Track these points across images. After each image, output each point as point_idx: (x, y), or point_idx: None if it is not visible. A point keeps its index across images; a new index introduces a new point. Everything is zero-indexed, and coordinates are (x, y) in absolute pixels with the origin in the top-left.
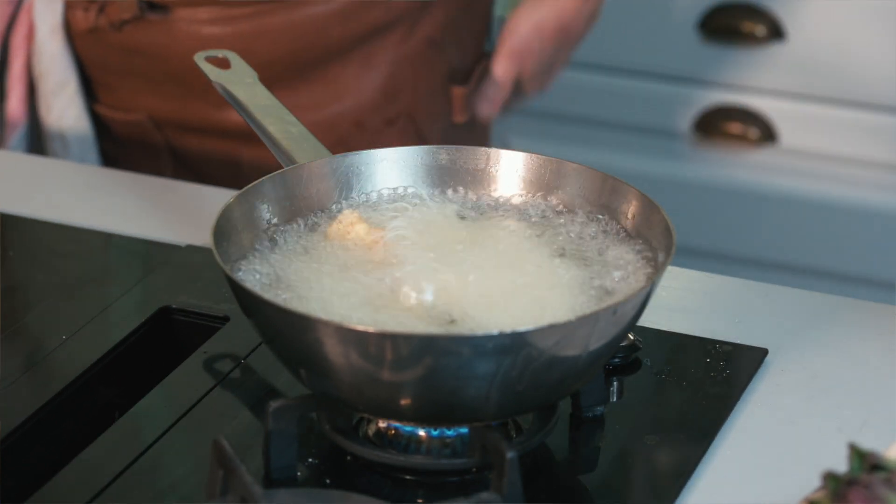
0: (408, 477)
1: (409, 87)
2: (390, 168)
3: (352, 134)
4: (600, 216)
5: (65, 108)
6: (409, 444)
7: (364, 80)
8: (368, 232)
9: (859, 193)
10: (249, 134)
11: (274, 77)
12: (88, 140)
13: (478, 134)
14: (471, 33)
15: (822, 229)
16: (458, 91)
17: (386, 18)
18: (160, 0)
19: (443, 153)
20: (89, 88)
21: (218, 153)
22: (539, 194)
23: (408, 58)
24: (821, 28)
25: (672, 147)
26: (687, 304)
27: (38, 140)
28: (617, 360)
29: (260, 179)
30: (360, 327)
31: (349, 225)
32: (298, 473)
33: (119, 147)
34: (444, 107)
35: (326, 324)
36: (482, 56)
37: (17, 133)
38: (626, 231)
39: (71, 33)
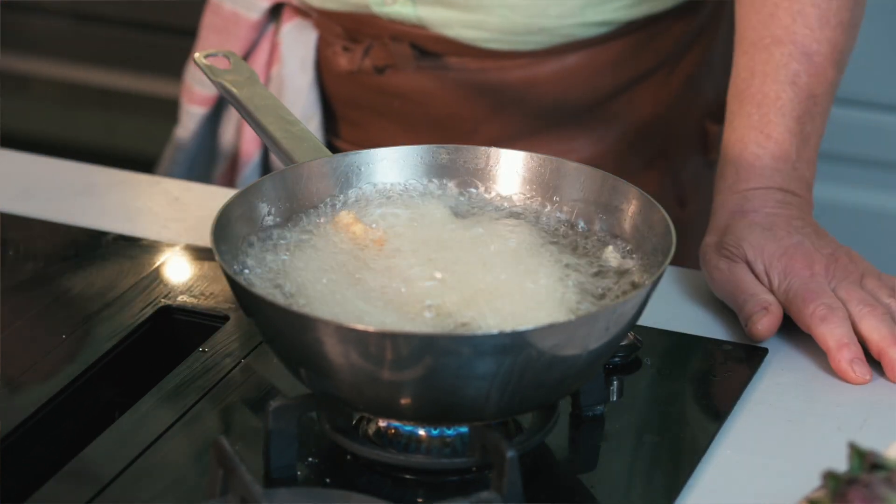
0: (408, 476)
1: (667, 127)
2: (390, 167)
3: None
4: (600, 216)
5: None
6: (409, 443)
7: (626, 121)
8: (366, 232)
9: (859, 192)
10: None
11: (541, 125)
12: None
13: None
14: (725, 67)
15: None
16: (712, 128)
17: (653, 62)
18: (433, 49)
19: (443, 153)
20: (329, 121)
21: None
22: (539, 193)
23: (668, 97)
24: None
25: None
26: (687, 303)
27: (266, 166)
28: (617, 359)
29: (260, 179)
30: (361, 327)
31: (346, 226)
32: (298, 473)
33: None
34: (699, 144)
35: (326, 323)
36: None
37: (251, 163)
38: (625, 231)
39: (323, 70)
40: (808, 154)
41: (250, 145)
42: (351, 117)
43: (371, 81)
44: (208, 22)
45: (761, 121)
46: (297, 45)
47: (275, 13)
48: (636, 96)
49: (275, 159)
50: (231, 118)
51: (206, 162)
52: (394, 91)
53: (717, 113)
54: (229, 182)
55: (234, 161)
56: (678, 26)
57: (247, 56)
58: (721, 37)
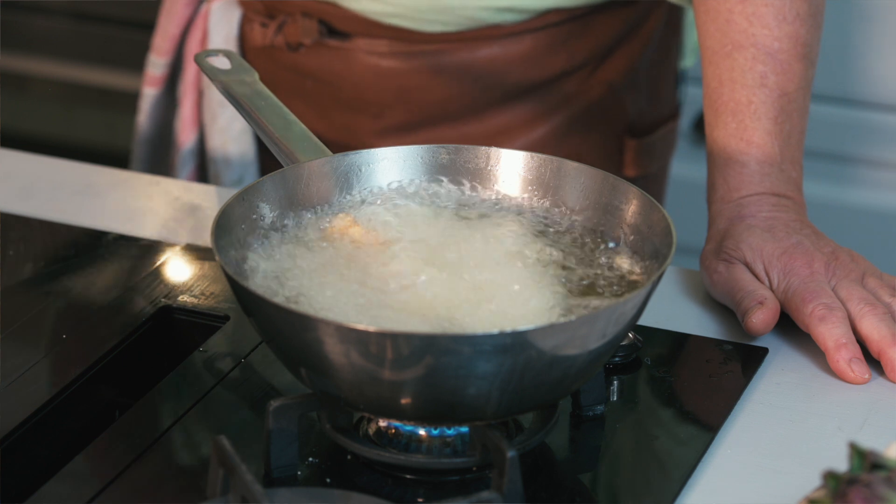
0: (408, 476)
1: (581, 131)
2: (391, 167)
3: None
4: (600, 215)
5: (230, 121)
6: (409, 443)
7: (537, 121)
8: (363, 234)
9: (859, 192)
10: None
11: (447, 114)
12: (250, 155)
13: (649, 191)
14: (651, 87)
15: (822, 228)
16: (630, 143)
17: (568, 65)
18: (341, 27)
19: (443, 152)
20: None
21: None
22: (539, 194)
23: (584, 102)
24: None
25: None
26: (687, 303)
27: (202, 151)
28: (617, 359)
29: (260, 178)
30: (361, 327)
31: (343, 228)
32: (299, 472)
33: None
34: (617, 158)
35: (327, 323)
36: (670, 116)
37: (190, 142)
38: (625, 230)
39: (244, 46)
40: (791, 153)
41: (189, 116)
42: None
43: (285, 59)
44: (164, 4)
45: (739, 128)
46: (222, 22)
47: None
48: (550, 97)
49: (211, 149)
50: (180, 107)
51: (166, 144)
52: (305, 70)
53: (637, 129)
54: (174, 165)
55: (177, 144)
56: (595, 31)
57: (184, 33)
58: (648, 55)
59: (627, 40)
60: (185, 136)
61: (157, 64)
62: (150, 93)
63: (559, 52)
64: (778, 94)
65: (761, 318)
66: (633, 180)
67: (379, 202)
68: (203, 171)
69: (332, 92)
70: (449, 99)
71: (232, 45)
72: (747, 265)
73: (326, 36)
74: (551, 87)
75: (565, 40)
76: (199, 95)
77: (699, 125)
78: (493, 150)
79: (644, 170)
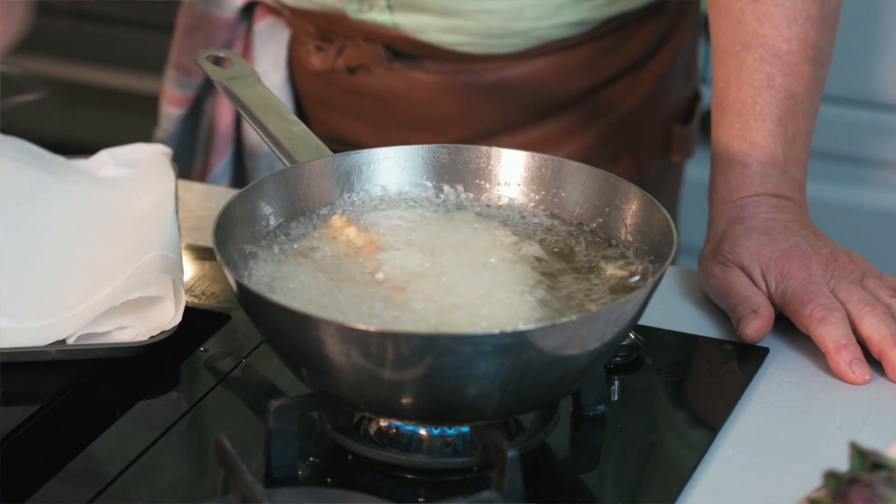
0: (409, 476)
1: (636, 126)
2: (391, 167)
3: None
4: (601, 215)
5: None
6: (410, 442)
7: (594, 120)
8: (358, 234)
9: (859, 192)
10: None
11: (508, 126)
12: None
13: (678, 173)
14: (688, 72)
15: (833, 230)
16: (678, 130)
17: (622, 64)
18: (406, 51)
19: (444, 152)
20: (301, 120)
21: None
22: (540, 193)
23: (637, 97)
24: None
25: None
26: (687, 303)
27: (241, 164)
28: (618, 359)
29: (261, 178)
30: (362, 326)
31: (339, 229)
32: (300, 472)
33: None
34: (665, 145)
35: (328, 323)
36: (696, 94)
37: (226, 156)
38: (625, 230)
39: (295, 69)
40: (795, 155)
41: (227, 129)
42: (321, 116)
43: (343, 81)
44: (180, 23)
45: (743, 129)
46: (269, 43)
47: (247, 12)
48: (606, 96)
49: (250, 158)
50: (206, 118)
51: (186, 160)
52: (365, 91)
53: (683, 115)
54: (204, 179)
55: (208, 159)
56: (646, 29)
57: None
58: (686, 42)
59: (672, 33)
60: (222, 148)
61: (186, 84)
62: (174, 113)
63: (613, 56)
64: (784, 95)
65: (755, 327)
66: (674, 165)
67: (378, 202)
68: (237, 183)
69: (393, 111)
70: (511, 112)
71: (281, 68)
72: (744, 269)
73: (393, 60)
74: (605, 88)
75: (618, 44)
76: (238, 114)
77: (700, 126)
78: (494, 150)
79: (688, 155)
